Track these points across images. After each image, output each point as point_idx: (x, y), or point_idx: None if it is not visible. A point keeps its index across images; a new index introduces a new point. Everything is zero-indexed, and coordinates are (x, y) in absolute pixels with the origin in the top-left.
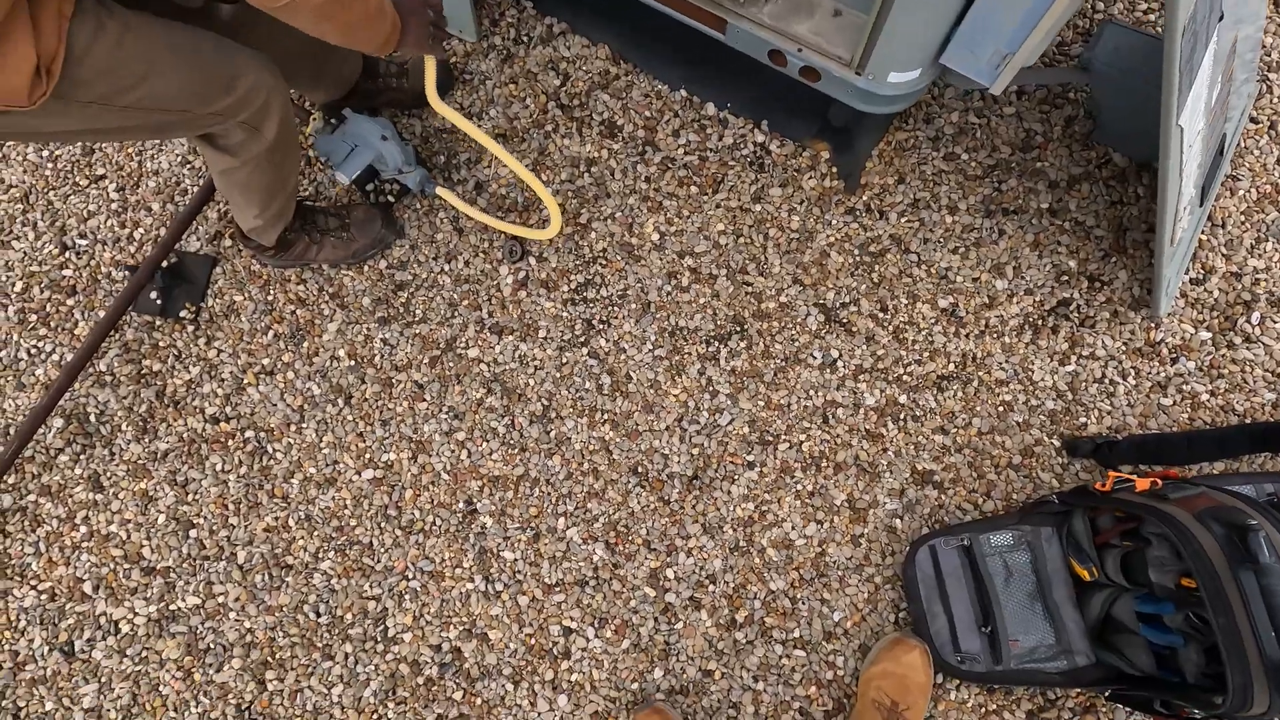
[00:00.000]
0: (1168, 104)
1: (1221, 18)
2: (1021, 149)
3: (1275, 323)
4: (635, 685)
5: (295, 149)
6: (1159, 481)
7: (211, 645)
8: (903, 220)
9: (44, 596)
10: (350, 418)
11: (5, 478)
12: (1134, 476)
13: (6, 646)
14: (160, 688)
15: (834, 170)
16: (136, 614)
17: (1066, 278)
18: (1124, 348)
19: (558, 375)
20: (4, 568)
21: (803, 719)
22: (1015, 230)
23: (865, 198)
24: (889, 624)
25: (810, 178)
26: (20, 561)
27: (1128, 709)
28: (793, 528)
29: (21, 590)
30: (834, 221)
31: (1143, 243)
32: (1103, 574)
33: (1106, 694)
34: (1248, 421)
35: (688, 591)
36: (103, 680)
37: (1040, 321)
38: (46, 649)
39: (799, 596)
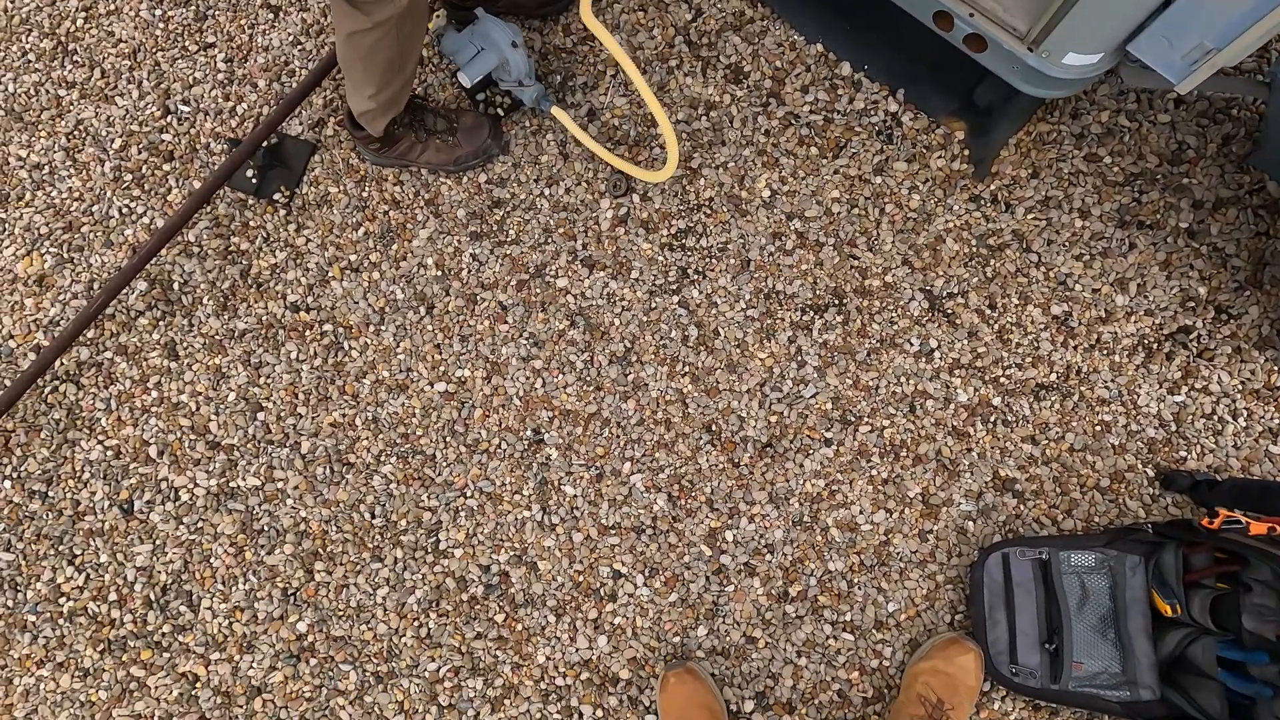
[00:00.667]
0: None
1: None
2: (1170, 161)
3: None
4: (677, 639)
5: (423, 26)
6: (1277, 528)
7: (266, 528)
8: (1029, 216)
9: (109, 453)
10: (430, 328)
11: (85, 332)
12: (1248, 518)
13: (69, 495)
14: (211, 559)
15: (966, 153)
16: (197, 485)
17: (1193, 304)
18: (1240, 386)
19: (644, 319)
20: (75, 419)
21: (840, 700)
22: (1147, 246)
23: (993, 187)
24: (944, 624)
25: (939, 157)
26: (90, 415)
27: None
28: (861, 512)
29: (89, 443)
30: (956, 207)
31: None
32: (1186, 612)
33: None
34: None
35: (744, 557)
36: (157, 543)
37: (1156, 345)
38: (107, 504)
39: (856, 581)
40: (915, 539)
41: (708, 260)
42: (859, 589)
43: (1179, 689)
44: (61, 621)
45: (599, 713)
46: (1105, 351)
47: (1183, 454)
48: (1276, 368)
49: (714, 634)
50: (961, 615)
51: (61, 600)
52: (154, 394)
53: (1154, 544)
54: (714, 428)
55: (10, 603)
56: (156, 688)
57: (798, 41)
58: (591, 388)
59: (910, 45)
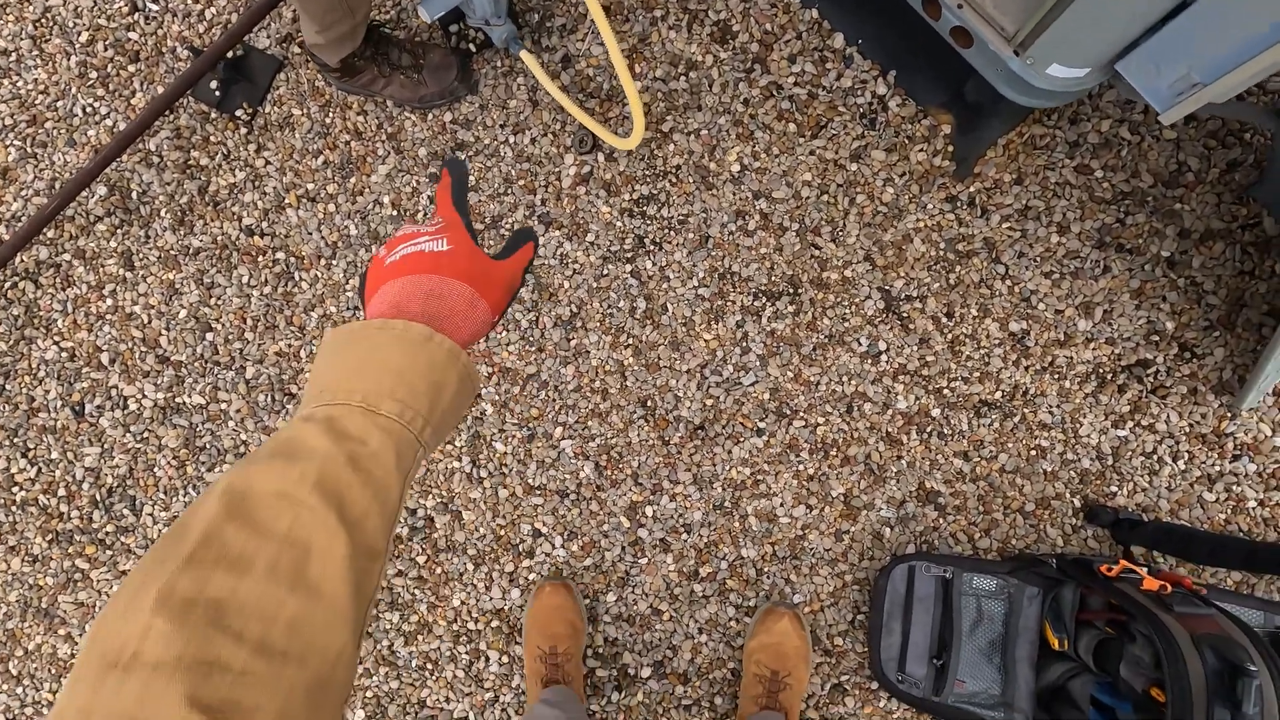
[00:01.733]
0: None
1: None
2: (1165, 183)
3: None
4: (586, 601)
5: None
6: (1169, 587)
7: (207, 446)
8: (1004, 225)
9: (64, 355)
10: None
11: (45, 232)
12: (1144, 571)
13: (24, 391)
14: (155, 469)
15: (950, 149)
16: (145, 396)
17: (1157, 338)
18: (1188, 429)
19: (594, 285)
20: (32, 317)
21: (733, 679)
22: (1122, 271)
23: (973, 189)
24: (844, 621)
25: (921, 150)
26: (48, 316)
27: None
28: (781, 504)
29: (45, 342)
30: (930, 206)
31: (1256, 325)
32: (1073, 648)
33: None
34: None
35: (661, 533)
36: (105, 446)
37: (1110, 376)
38: (59, 404)
39: (766, 570)
40: (831, 537)
41: (666, 231)
42: (768, 577)
43: (1052, 715)
44: (14, 509)
45: (504, 659)
46: (1056, 376)
47: (1114, 489)
48: (1229, 414)
49: (622, 601)
50: (863, 617)
51: (14, 489)
52: (109, 301)
53: (1054, 579)
54: (649, 404)
55: None
56: (99, 581)
57: (793, 4)
58: (533, 349)
59: (910, 24)
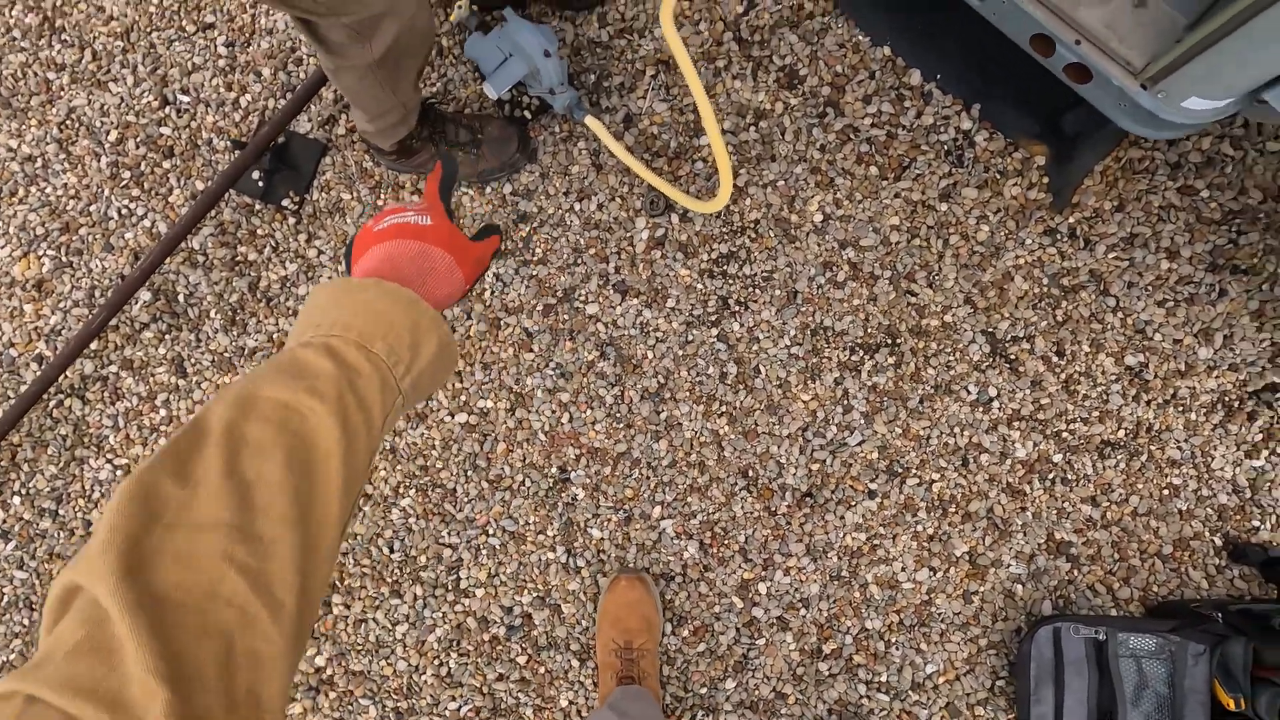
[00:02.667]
0: None
1: None
2: (1276, 197)
3: None
4: (704, 690)
5: (413, 66)
6: None
7: None
8: (1110, 255)
9: (119, 472)
10: None
11: (90, 344)
12: None
13: (79, 514)
14: None
15: (1045, 181)
16: None
17: None
18: None
19: (680, 353)
20: (82, 435)
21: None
22: (1240, 293)
23: (1072, 220)
24: (983, 689)
25: (1014, 184)
26: (98, 433)
27: None
28: (903, 569)
29: (98, 461)
30: (1029, 241)
31: None
32: (1252, 709)
33: None
34: None
35: (777, 610)
36: None
37: (1238, 404)
38: None
39: (894, 640)
40: (959, 600)
41: (750, 290)
42: (896, 649)
43: None
44: None
45: None
46: (1181, 408)
47: (1256, 524)
48: None
49: (742, 687)
50: (1003, 682)
51: None
52: (162, 412)
53: (1220, 635)
54: (751, 473)
55: (27, 622)
56: None
57: (862, 43)
58: (621, 425)
59: (992, 55)
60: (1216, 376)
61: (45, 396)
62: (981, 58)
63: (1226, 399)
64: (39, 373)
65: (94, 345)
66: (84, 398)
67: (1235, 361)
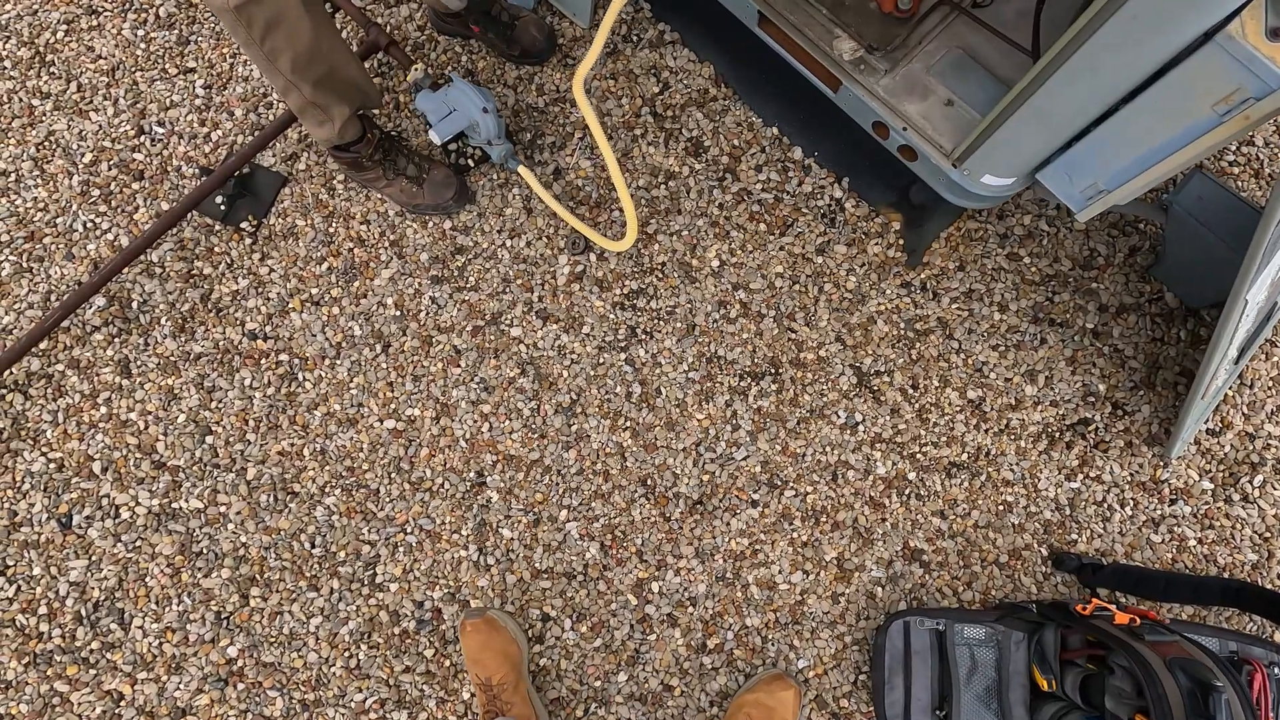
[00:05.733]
0: (1242, 277)
1: None
2: (1082, 266)
3: (1274, 490)
4: (598, 683)
5: (286, 50)
6: (1138, 620)
7: (205, 550)
8: (954, 306)
9: (52, 465)
10: (384, 365)
11: (39, 343)
12: (1114, 608)
13: (6, 505)
14: (147, 579)
15: (900, 242)
16: (139, 503)
17: (1093, 399)
18: (1129, 478)
19: (591, 373)
20: (20, 428)
21: None
22: (1057, 342)
23: (923, 276)
24: (848, 682)
25: (876, 244)
26: (36, 426)
27: None
28: (780, 571)
29: (32, 454)
30: (888, 291)
31: (1172, 384)
32: (1060, 688)
33: None
34: (1226, 576)
35: (668, 608)
36: (93, 559)
37: (1058, 434)
38: (45, 516)
39: (770, 637)
40: (828, 600)
41: (656, 321)
42: (772, 645)
43: None
44: None
45: None
46: (1013, 437)
47: (1074, 537)
48: (1162, 463)
49: (634, 680)
50: (865, 676)
51: None
52: (103, 409)
53: (1037, 623)
54: (649, 482)
55: None
56: (80, 704)
57: (756, 123)
58: (536, 435)
59: (858, 138)
60: (1041, 410)
61: None
62: (850, 140)
63: (1049, 430)
64: None
65: (43, 345)
66: (27, 393)
67: (1055, 399)
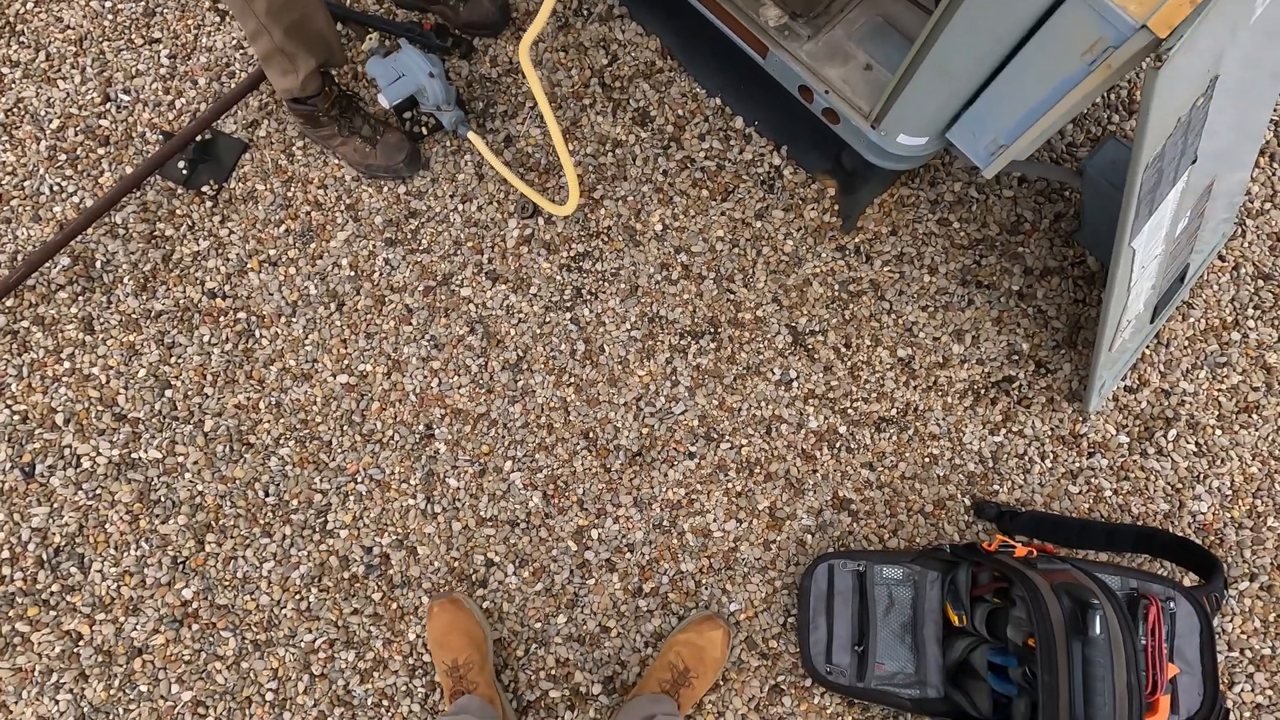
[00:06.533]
0: (1123, 225)
1: (1195, 161)
2: (1009, 231)
3: (1187, 444)
4: (539, 625)
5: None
6: (1034, 552)
7: (162, 499)
8: (885, 269)
9: (16, 417)
10: (338, 323)
11: (4, 299)
12: (1017, 544)
13: None
14: (107, 525)
15: (835, 208)
16: (100, 454)
17: (1017, 357)
18: (1050, 432)
19: (538, 331)
20: None
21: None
22: (983, 303)
23: (857, 240)
24: (777, 624)
25: (812, 209)
26: (1, 380)
27: None
28: (714, 520)
29: None
30: (823, 255)
31: (1091, 344)
32: (970, 623)
33: None
34: (1138, 524)
35: (606, 554)
36: (55, 506)
37: (983, 391)
38: (8, 465)
39: (704, 582)
40: (760, 547)
41: (600, 283)
42: (706, 589)
43: (961, 690)
44: None
45: None
46: (940, 393)
47: (996, 487)
48: (1080, 418)
49: (573, 621)
50: (792, 618)
51: None
52: (66, 364)
53: (951, 563)
54: (591, 435)
55: None
56: (39, 643)
57: (699, 94)
58: (483, 390)
59: (794, 108)
60: (967, 369)
61: None
62: (788, 110)
63: (975, 386)
64: None
65: (8, 302)
66: None
67: (981, 357)
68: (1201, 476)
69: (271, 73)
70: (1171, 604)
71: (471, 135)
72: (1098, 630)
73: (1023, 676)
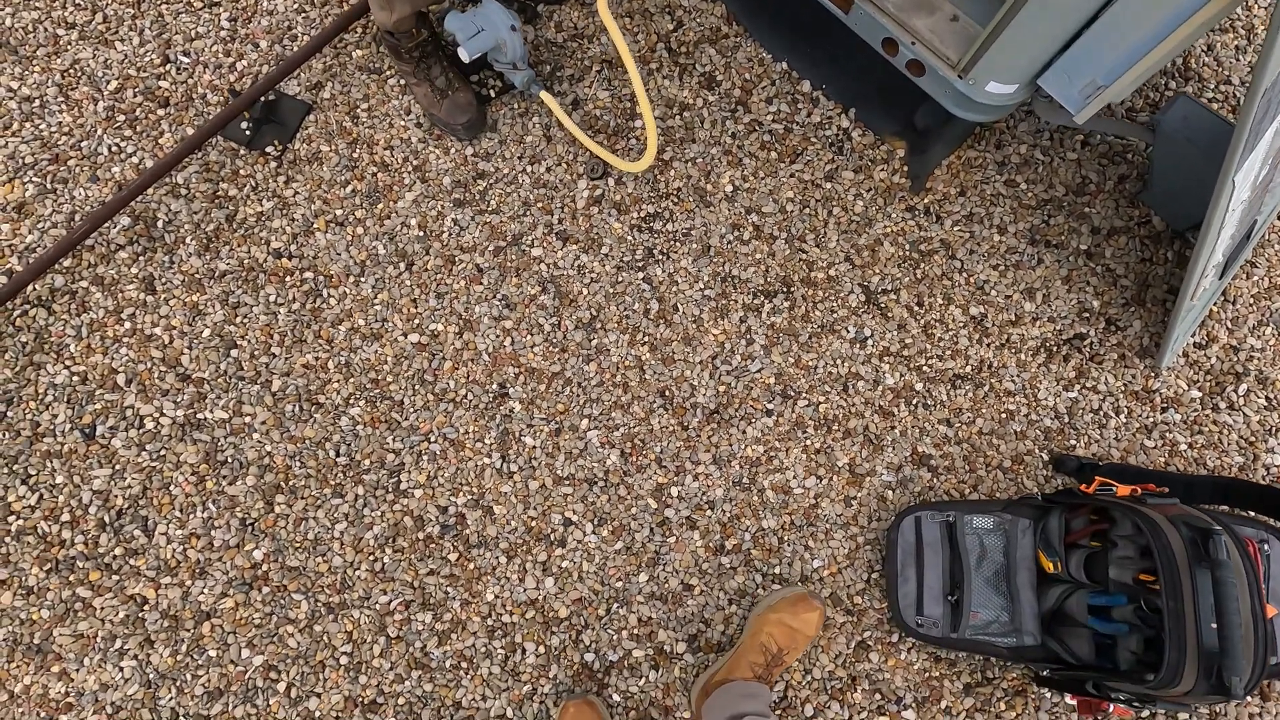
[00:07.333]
0: (1231, 156)
1: None
2: (1075, 192)
3: (1258, 398)
4: (620, 584)
5: None
6: (1139, 490)
7: (230, 459)
8: (955, 229)
9: (75, 378)
10: (408, 283)
11: (62, 261)
12: (1117, 483)
13: (29, 416)
14: (171, 487)
15: (905, 169)
16: (163, 414)
17: (1088, 315)
18: (1123, 388)
19: (610, 291)
20: (43, 343)
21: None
22: (1053, 262)
23: (927, 200)
24: (861, 580)
25: (882, 170)
26: (59, 341)
27: (1052, 694)
28: (794, 477)
29: (55, 367)
30: (894, 215)
31: (1160, 301)
32: (1065, 569)
33: (1044, 673)
34: (1216, 475)
35: (686, 511)
36: (117, 468)
37: (1055, 348)
38: (68, 427)
39: (786, 538)
40: (841, 503)
41: (672, 243)
42: (788, 546)
43: (1056, 637)
44: (8, 540)
45: (541, 649)
46: (1013, 350)
47: (1072, 442)
48: (1153, 373)
49: (654, 580)
50: (877, 574)
51: (10, 519)
52: (127, 325)
53: (1042, 509)
54: (667, 393)
55: None
56: (102, 609)
57: (765, 59)
58: (557, 349)
59: (863, 69)
60: (1039, 326)
61: (10, 305)
62: (856, 72)
63: (1047, 344)
64: (5, 282)
65: (67, 262)
66: (50, 309)
67: (1052, 315)
68: (1274, 430)
69: (373, 4)
70: (1266, 545)
71: (544, 95)
72: (1224, 554)
73: (1134, 613)
